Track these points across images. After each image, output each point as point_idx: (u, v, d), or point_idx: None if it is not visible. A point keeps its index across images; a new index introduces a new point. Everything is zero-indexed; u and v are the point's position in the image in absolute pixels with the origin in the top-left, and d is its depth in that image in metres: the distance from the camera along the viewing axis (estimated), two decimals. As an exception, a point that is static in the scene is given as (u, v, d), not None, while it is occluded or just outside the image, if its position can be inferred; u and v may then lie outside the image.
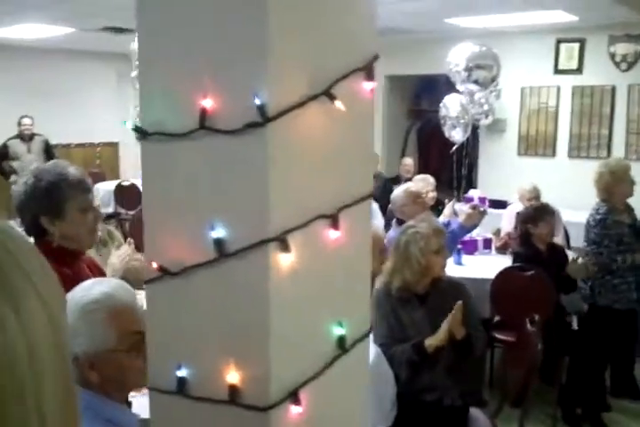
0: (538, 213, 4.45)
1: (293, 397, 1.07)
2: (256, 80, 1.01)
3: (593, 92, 7.39)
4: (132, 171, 9.78)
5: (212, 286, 1.11)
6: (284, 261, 1.04)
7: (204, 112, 1.06)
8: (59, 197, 1.86)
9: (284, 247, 1.04)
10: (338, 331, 1.16)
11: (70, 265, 1.89)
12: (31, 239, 1.97)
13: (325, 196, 1.12)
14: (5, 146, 7.58)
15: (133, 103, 10.34)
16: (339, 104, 1.07)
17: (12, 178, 7.56)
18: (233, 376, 1.07)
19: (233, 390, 1.07)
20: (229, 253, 1.06)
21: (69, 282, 1.84)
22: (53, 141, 8.53)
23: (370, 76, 1.14)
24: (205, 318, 1.11)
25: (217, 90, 1.06)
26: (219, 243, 1.07)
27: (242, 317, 1.07)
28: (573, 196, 6.45)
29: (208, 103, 1.06)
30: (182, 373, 1.15)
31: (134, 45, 3.57)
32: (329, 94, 1.07)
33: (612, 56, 7.33)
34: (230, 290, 1.09)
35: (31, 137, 7.74)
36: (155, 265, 1.15)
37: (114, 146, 10.38)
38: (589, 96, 7.43)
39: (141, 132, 1.17)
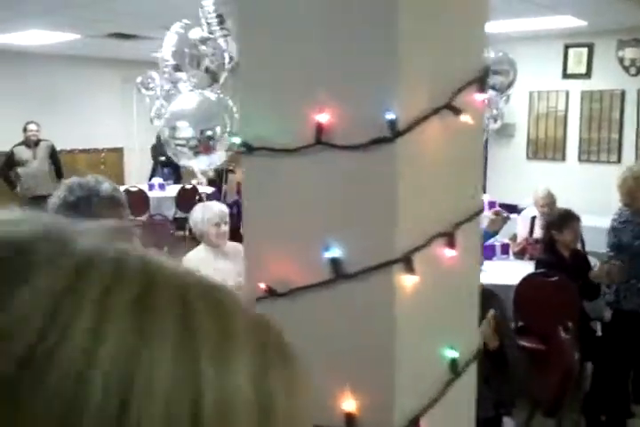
0: (562, 220, 4.42)
1: (414, 425, 1.02)
2: (386, 94, 0.97)
3: (602, 97, 7.40)
4: (136, 176, 9.71)
5: (326, 307, 1.06)
6: (409, 282, 0.99)
7: (319, 127, 1.01)
8: (87, 214, 1.79)
9: (410, 268, 0.99)
10: (451, 354, 1.11)
11: None
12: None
13: (443, 212, 1.08)
14: (12, 153, 7.51)
15: (136, 109, 10.30)
16: (465, 118, 1.03)
17: (18, 188, 7.49)
18: (349, 404, 1.02)
19: (349, 418, 1.02)
20: (348, 275, 1.01)
21: None
22: (58, 147, 8.44)
23: (482, 87, 1.10)
24: (316, 341, 1.06)
25: (334, 104, 1.01)
26: (335, 263, 1.02)
27: (361, 340, 1.02)
28: (584, 200, 6.43)
29: (324, 118, 1.01)
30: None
31: (160, 53, 3.52)
32: (452, 108, 1.03)
33: (621, 60, 7.33)
34: (348, 312, 1.04)
35: (37, 143, 7.67)
36: (262, 286, 1.10)
37: (118, 151, 10.29)
38: (598, 100, 7.43)
39: (246, 147, 1.11)
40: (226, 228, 3.69)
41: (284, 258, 1.08)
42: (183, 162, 3.49)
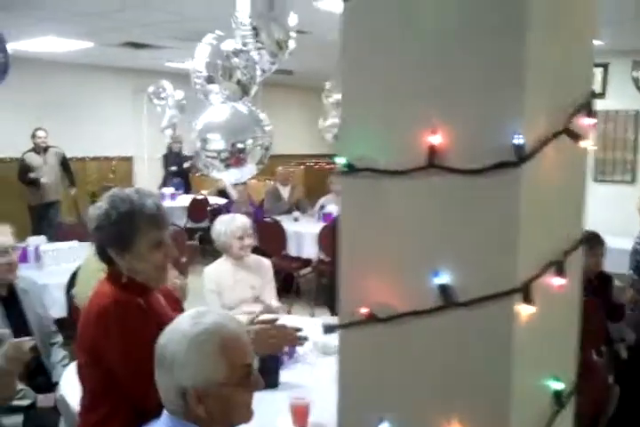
0: (588, 243, 4.38)
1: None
2: (512, 117, 0.93)
3: (617, 117, 7.40)
4: (146, 186, 9.66)
5: (433, 335, 1.01)
6: (526, 312, 0.96)
7: (432, 149, 0.98)
8: (127, 232, 1.74)
9: (528, 298, 0.95)
10: (556, 385, 1.07)
11: (142, 296, 1.79)
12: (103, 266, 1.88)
13: (555, 240, 1.04)
14: (23, 159, 7.51)
15: (147, 119, 10.29)
16: (585, 143, 1.00)
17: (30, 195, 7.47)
18: (457, 436, 0.98)
19: (458, 450, 0.98)
20: (460, 302, 0.97)
21: (141, 312, 1.74)
22: (69, 155, 8.41)
23: (591, 111, 1.07)
24: (419, 369, 1.02)
25: (449, 126, 0.97)
26: (444, 290, 0.98)
27: (473, 370, 0.98)
28: (600, 220, 6.40)
29: (437, 139, 0.98)
30: (384, 427, 1.06)
31: (191, 64, 3.49)
32: (571, 132, 0.99)
33: (636, 81, 7.34)
34: (457, 340, 0.99)
35: (45, 149, 7.67)
36: (363, 310, 1.05)
37: (128, 160, 10.25)
38: (613, 121, 7.44)
39: (349, 168, 1.07)
40: (250, 241, 3.66)
41: (386, 282, 1.04)
42: (213, 174, 3.46)
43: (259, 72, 3.48)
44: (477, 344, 0.99)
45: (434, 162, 0.99)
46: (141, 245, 1.76)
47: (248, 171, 3.31)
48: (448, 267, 0.99)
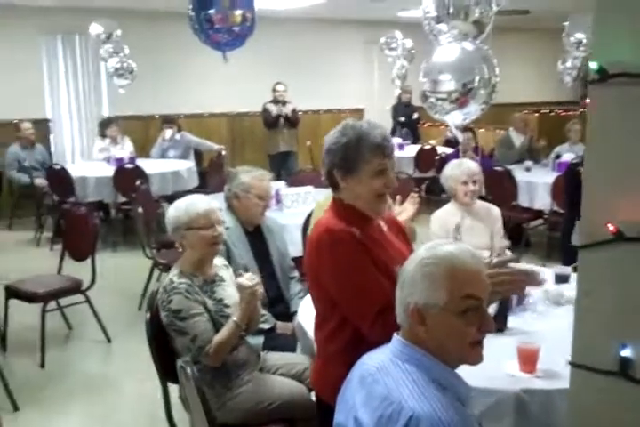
0: None
1: None
2: None
3: None
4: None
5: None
6: None
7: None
8: (353, 156, 1.84)
9: None
10: None
11: (359, 224, 1.85)
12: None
13: None
14: (264, 109, 8.11)
15: (378, 70, 10.44)
16: None
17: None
18: None
19: None
20: None
21: (353, 240, 1.79)
22: (304, 108, 8.90)
23: None
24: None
25: None
26: None
27: None
28: None
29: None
30: (627, 353, 1.00)
31: (422, 4, 3.42)
32: None
33: None
34: None
35: (284, 103, 8.20)
36: (610, 227, 0.98)
37: (359, 112, 10.56)
38: None
39: (602, 74, 0.97)
40: (475, 187, 3.58)
41: (637, 199, 0.94)
42: (437, 117, 3.40)
43: (494, 8, 3.31)
44: None
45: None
46: (364, 170, 1.85)
47: (473, 111, 3.19)
48: None
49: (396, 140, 8.56)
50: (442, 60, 2.98)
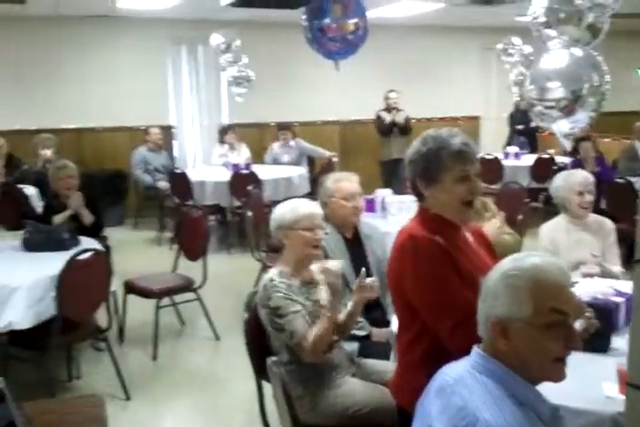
0: None
1: None
2: None
3: None
4: (492, 145, 9.65)
5: None
6: None
7: None
8: (435, 165, 1.84)
9: None
10: None
11: (443, 233, 1.83)
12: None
13: None
14: (378, 116, 8.15)
15: (495, 77, 10.18)
16: None
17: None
18: None
19: None
20: None
21: (435, 249, 1.77)
22: (417, 115, 8.84)
23: None
24: None
25: None
26: None
27: None
28: None
29: None
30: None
31: (530, 11, 3.33)
32: None
33: None
34: None
35: (397, 110, 8.19)
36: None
37: (474, 119, 10.37)
38: None
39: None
40: (590, 197, 3.44)
41: None
42: (544, 125, 3.29)
43: (609, 10, 3.17)
44: None
45: None
46: (446, 178, 1.86)
47: (582, 120, 3.07)
48: None
49: (513, 149, 8.32)
50: (549, 66, 2.89)
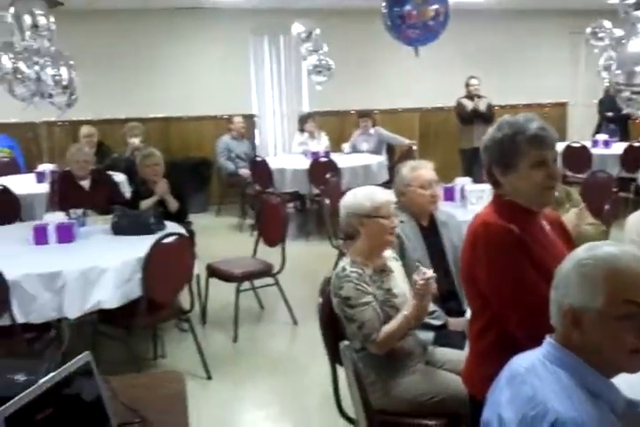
0: None
1: None
2: None
3: None
4: (579, 132, 9.31)
5: None
6: None
7: None
8: (511, 151, 1.81)
9: None
10: None
11: (519, 221, 1.79)
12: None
13: None
14: (459, 103, 8.02)
15: (584, 62, 9.78)
16: None
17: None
18: None
19: None
20: None
21: (509, 237, 1.74)
22: (502, 102, 8.64)
23: None
24: None
25: None
26: None
27: None
28: None
29: None
30: None
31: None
32: None
33: None
34: None
35: (478, 97, 8.04)
36: None
37: (562, 106, 10.00)
38: None
39: None
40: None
41: None
42: (631, 111, 3.16)
43: None
44: None
45: None
46: (522, 164, 1.82)
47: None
48: None
49: (602, 137, 7.98)
50: (638, 50, 2.78)
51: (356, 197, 2.61)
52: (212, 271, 4.55)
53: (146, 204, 4.68)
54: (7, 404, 1.36)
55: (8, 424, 1.34)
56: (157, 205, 4.66)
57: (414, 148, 7.84)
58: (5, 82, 4.28)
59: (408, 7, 5.10)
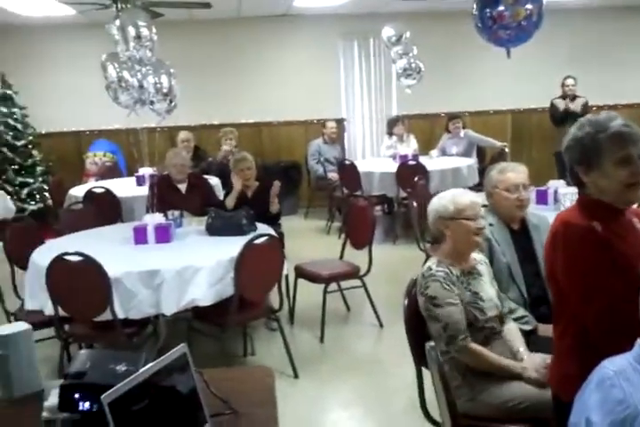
0: None
1: None
2: None
3: None
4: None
5: None
6: None
7: None
8: (592, 149, 1.78)
9: None
10: None
11: (603, 218, 1.77)
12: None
13: None
14: (551, 104, 7.82)
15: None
16: None
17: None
18: None
19: None
20: None
21: (590, 236, 1.71)
22: (598, 102, 8.33)
23: None
24: None
25: None
26: None
27: None
28: None
29: None
30: None
31: None
32: None
33: None
34: None
35: (573, 98, 7.82)
36: None
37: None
38: None
39: None
40: None
41: None
42: None
43: None
44: None
45: None
46: (605, 162, 1.79)
47: None
48: None
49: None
50: None
51: (441, 200, 2.62)
52: (300, 272, 4.64)
53: (229, 201, 4.87)
54: (109, 390, 1.46)
55: (111, 409, 1.44)
56: (249, 206, 4.81)
57: (506, 150, 7.68)
58: (111, 90, 4.56)
59: (500, 8, 5.03)
